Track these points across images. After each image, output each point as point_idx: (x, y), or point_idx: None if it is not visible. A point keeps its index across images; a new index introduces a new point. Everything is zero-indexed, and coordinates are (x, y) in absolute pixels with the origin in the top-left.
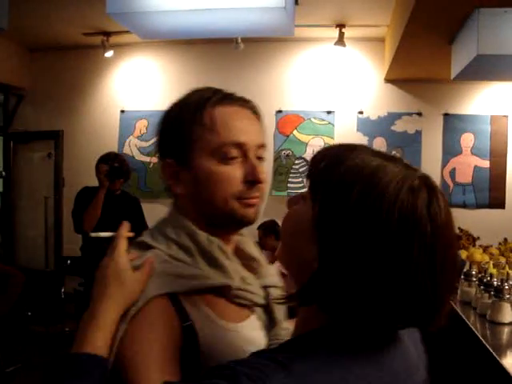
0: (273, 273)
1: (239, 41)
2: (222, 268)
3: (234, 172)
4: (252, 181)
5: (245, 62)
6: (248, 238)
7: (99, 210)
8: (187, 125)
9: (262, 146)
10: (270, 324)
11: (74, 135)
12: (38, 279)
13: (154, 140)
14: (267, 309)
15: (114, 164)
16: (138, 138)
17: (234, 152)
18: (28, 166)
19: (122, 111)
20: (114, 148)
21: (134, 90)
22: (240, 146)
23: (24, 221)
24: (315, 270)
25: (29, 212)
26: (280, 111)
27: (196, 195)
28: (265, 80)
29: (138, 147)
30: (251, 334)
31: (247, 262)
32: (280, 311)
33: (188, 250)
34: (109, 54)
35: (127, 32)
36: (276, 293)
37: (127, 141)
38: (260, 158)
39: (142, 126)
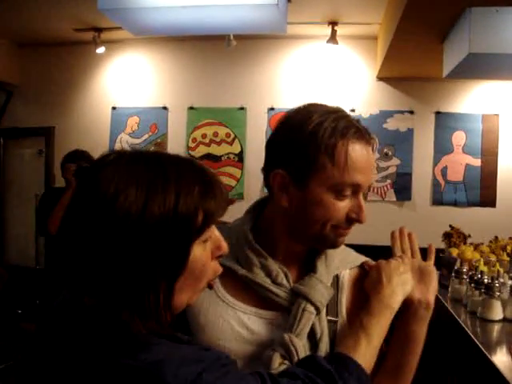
0: (321, 290)
1: (231, 38)
2: (246, 260)
3: (343, 206)
4: (355, 219)
5: (237, 59)
6: (333, 252)
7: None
8: (315, 150)
9: (370, 186)
10: (286, 330)
11: (65, 132)
12: (28, 277)
13: (145, 137)
14: (290, 314)
15: (82, 163)
16: (129, 134)
17: (349, 190)
18: (18, 163)
19: (114, 108)
20: (106, 145)
21: (126, 86)
22: (356, 186)
23: (14, 218)
24: None
25: (19, 209)
26: (272, 108)
27: (298, 212)
28: (257, 77)
29: (130, 144)
30: (245, 317)
31: (304, 270)
32: (304, 324)
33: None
34: (100, 50)
35: (119, 28)
36: (303, 304)
37: (118, 137)
38: (364, 194)
39: (133, 122)
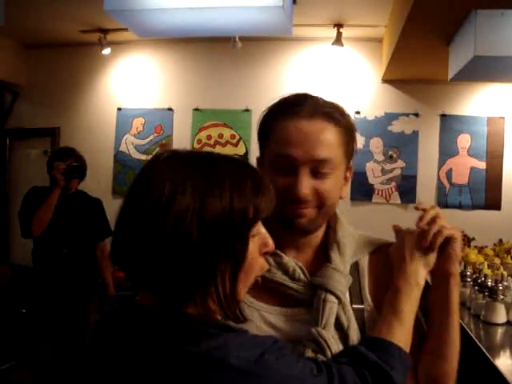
0: (338, 279)
1: (237, 40)
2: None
3: (282, 182)
4: (289, 195)
5: (242, 61)
6: (345, 239)
7: (51, 213)
8: (260, 132)
9: (322, 161)
10: (312, 324)
11: (71, 132)
12: (32, 276)
13: (150, 138)
14: (313, 308)
15: (71, 162)
16: (134, 135)
17: (285, 164)
18: (24, 163)
19: (119, 109)
20: (111, 146)
21: (131, 87)
22: (289, 158)
23: None
24: None
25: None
26: None
27: None
28: (262, 79)
29: (135, 145)
30: (271, 317)
31: (320, 262)
32: (328, 315)
33: None
34: (106, 51)
35: (125, 29)
36: (323, 295)
37: (124, 138)
38: (321, 174)
39: (138, 123)
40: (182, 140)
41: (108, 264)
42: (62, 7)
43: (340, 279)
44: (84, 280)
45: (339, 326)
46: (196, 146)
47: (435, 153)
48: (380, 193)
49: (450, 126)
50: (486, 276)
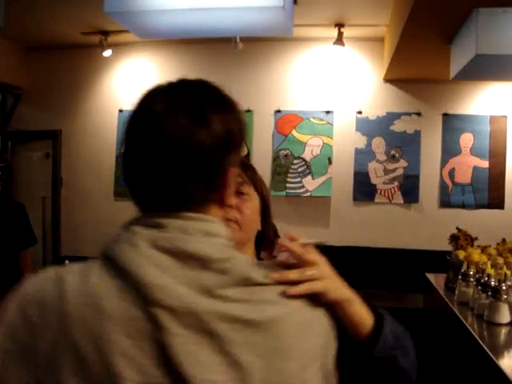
0: None
1: (238, 40)
2: None
3: None
4: None
5: (243, 62)
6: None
7: None
8: None
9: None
10: None
11: (72, 135)
12: None
13: None
14: None
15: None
16: None
17: None
18: (26, 166)
19: (121, 111)
20: (113, 147)
21: (133, 89)
22: None
23: None
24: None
25: (26, 212)
26: (279, 111)
27: None
28: (263, 79)
29: None
30: None
31: None
32: None
33: None
34: (107, 53)
35: (125, 31)
36: None
37: None
38: (241, 194)
39: None
40: None
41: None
42: (63, 9)
43: None
44: (4, 292)
45: None
46: None
47: (438, 152)
48: (383, 193)
49: (452, 125)
50: (489, 276)
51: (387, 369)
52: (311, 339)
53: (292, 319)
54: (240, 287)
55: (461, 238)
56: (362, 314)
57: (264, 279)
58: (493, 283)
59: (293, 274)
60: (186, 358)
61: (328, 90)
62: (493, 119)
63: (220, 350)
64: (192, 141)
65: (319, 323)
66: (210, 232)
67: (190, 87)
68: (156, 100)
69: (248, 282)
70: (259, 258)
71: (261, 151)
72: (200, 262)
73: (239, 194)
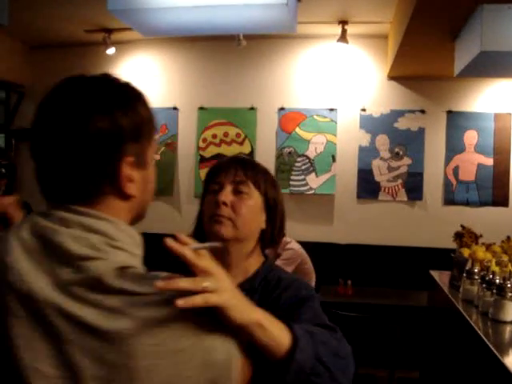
0: None
1: (241, 38)
2: None
3: None
4: None
5: (247, 59)
6: None
7: None
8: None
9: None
10: None
11: None
12: None
13: (156, 137)
14: None
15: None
16: None
17: None
18: (30, 164)
19: None
20: None
21: (136, 87)
22: None
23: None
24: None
25: (32, 210)
26: (282, 108)
27: None
28: (267, 77)
29: None
30: None
31: None
32: None
33: None
34: (110, 51)
35: (129, 29)
36: None
37: None
38: (240, 193)
39: None
40: (187, 139)
41: None
42: (66, 7)
43: None
44: None
45: None
46: (201, 144)
47: (442, 150)
48: (386, 190)
49: (456, 122)
50: (493, 273)
51: None
52: (185, 371)
53: (152, 339)
54: (94, 290)
55: (465, 236)
56: (272, 339)
57: (130, 287)
58: (497, 281)
59: (184, 283)
60: (23, 342)
61: (332, 87)
62: (497, 116)
63: (56, 345)
64: (84, 131)
65: (204, 353)
66: (91, 227)
67: (90, 81)
68: (54, 92)
69: (102, 286)
70: (265, 256)
71: (264, 149)
72: (63, 255)
73: (238, 192)
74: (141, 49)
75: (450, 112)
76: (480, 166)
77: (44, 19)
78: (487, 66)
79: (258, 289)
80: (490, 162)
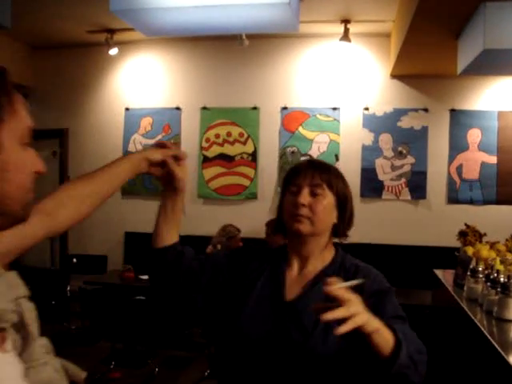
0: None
1: (244, 37)
2: None
3: None
4: None
5: (249, 59)
6: None
7: None
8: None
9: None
10: (24, 343)
11: (79, 133)
12: (43, 278)
13: (159, 137)
14: (19, 325)
15: None
16: (142, 135)
17: None
18: None
19: (127, 109)
20: (119, 146)
21: (139, 87)
22: None
23: None
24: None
25: None
26: (285, 108)
27: None
28: (269, 76)
29: (143, 145)
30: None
31: None
32: (35, 324)
33: None
34: (113, 51)
35: (131, 29)
36: (27, 304)
37: (132, 138)
38: (316, 195)
39: (146, 123)
40: (190, 139)
41: None
42: (69, 8)
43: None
44: None
45: None
46: (204, 144)
47: (445, 148)
48: (390, 189)
49: (459, 120)
50: (498, 272)
51: (400, 382)
52: None
53: None
54: None
55: (469, 234)
56: (385, 342)
57: None
58: (502, 279)
59: (340, 312)
60: None
61: (334, 86)
62: (501, 115)
63: None
64: None
65: None
66: None
67: None
68: None
69: None
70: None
71: (267, 148)
72: None
73: (314, 194)
74: (143, 49)
75: (453, 110)
76: (484, 165)
77: (46, 20)
78: (490, 63)
79: (341, 274)
80: (493, 160)
